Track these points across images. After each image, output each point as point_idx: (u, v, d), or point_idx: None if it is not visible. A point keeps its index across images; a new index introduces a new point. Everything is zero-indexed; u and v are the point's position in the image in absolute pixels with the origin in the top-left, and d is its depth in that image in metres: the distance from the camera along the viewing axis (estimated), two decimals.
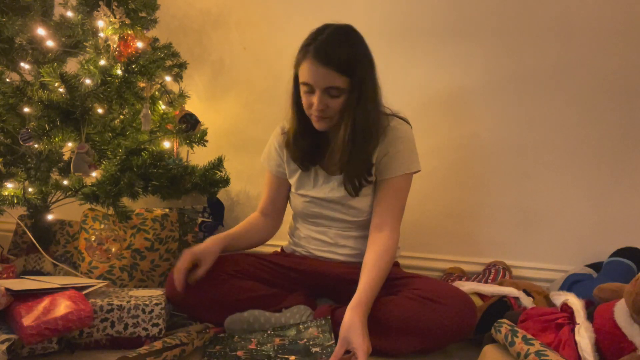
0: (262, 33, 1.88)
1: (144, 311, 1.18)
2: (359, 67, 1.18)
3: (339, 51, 1.15)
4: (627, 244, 1.48)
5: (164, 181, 1.54)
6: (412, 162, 1.28)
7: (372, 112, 1.23)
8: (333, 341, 1.11)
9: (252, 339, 1.16)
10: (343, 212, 1.33)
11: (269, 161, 1.43)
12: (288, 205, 1.46)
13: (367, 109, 1.21)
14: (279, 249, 1.50)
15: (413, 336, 1.15)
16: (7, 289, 1.12)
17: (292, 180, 1.39)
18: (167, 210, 1.62)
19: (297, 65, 1.22)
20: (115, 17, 1.50)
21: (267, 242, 1.46)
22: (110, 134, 1.60)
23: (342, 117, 1.22)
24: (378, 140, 1.26)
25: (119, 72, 1.51)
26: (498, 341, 1.07)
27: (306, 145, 1.32)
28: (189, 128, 1.66)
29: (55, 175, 1.59)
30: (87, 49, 1.55)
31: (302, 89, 1.21)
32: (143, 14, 1.62)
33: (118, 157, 1.51)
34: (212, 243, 1.29)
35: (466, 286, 1.34)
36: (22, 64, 1.58)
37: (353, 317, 1.07)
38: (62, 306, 1.10)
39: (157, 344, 1.07)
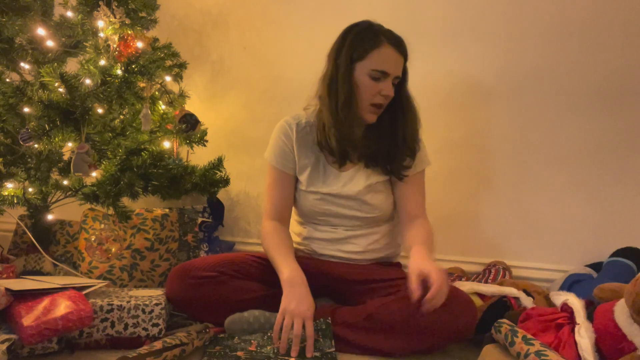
0: (262, 33, 1.88)
1: (144, 311, 1.18)
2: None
3: (405, 44, 1.27)
4: (627, 244, 1.48)
5: (164, 181, 1.54)
6: (426, 157, 1.38)
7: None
8: (333, 349, 1.11)
9: (252, 341, 1.16)
10: (356, 208, 1.33)
11: (278, 157, 1.36)
12: None
13: (411, 98, 1.32)
14: None
15: (413, 336, 1.15)
16: (7, 289, 1.12)
17: (302, 177, 1.35)
18: (167, 210, 1.62)
19: (364, 51, 1.23)
20: (115, 17, 1.50)
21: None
22: (110, 134, 1.60)
23: (395, 106, 1.29)
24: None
25: (119, 72, 1.51)
26: (498, 341, 1.07)
27: (349, 132, 1.28)
28: (189, 128, 1.66)
29: (55, 175, 1.59)
30: (87, 49, 1.55)
31: (372, 75, 1.23)
32: (143, 14, 1.62)
33: (118, 157, 1.51)
34: (310, 297, 1.16)
35: (466, 286, 1.34)
36: (22, 64, 1.58)
37: (420, 252, 1.15)
38: (62, 306, 1.10)
39: (157, 344, 1.07)
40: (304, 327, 1.10)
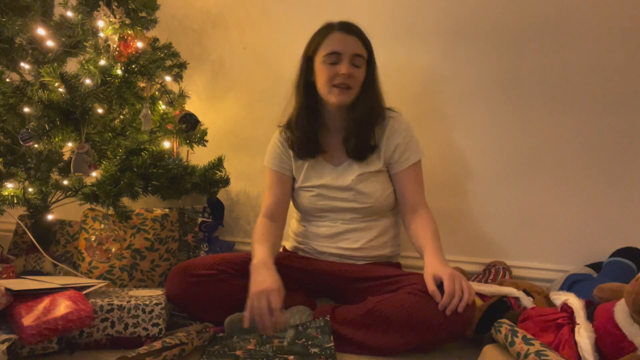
0: (262, 33, 1.88)
1: (144, 311, 1.18)
2: (370, 47, 1.34)
3: (358, 27, 1.33)
4: (627, 244, 1.48)
5: (164, 181, 1.55)
6: (419, 149, 1.39)
7: (380, 95, 1.38)
8: (332, 343, 1.11)
9: (251, 340, 1.16)
10: (351, 199, 1.36)
11: (274, 159, 1.44)
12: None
13: (378, 90, 1.37)
14: (280, 249, 1.50)
15: (412, 332, 1.15)
16: (7, 289, 1.12)
17: (299, 175, 1.41)
18: (167, 210, 1.62)
19: (317, 44, 1.33)
20: (115, 17, 1.50)
21: None
22: (110, 134, 1.60)
23: (360, 93, 1.33)
24: (378, 122, 1.37)
25: (119, 72, 1.51)
26: (498, 341, 1.07)
27: (308, 127, 1.37)
28: (189, 128, 1.66)
29: (55, 175, 1.59)
30: (87, 49, 1.55)
31: (327, 60, 1.30)
32: (143, 14, 1.62)
33: (118, 157, 1.51)
34: (274, 275, 1.17)
35: None
36: (22, 64, 1.58)
37: (433, 259, 1.20)
38: (62, 306, 1.10)
39: (157, 344, 1.07)
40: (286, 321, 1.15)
